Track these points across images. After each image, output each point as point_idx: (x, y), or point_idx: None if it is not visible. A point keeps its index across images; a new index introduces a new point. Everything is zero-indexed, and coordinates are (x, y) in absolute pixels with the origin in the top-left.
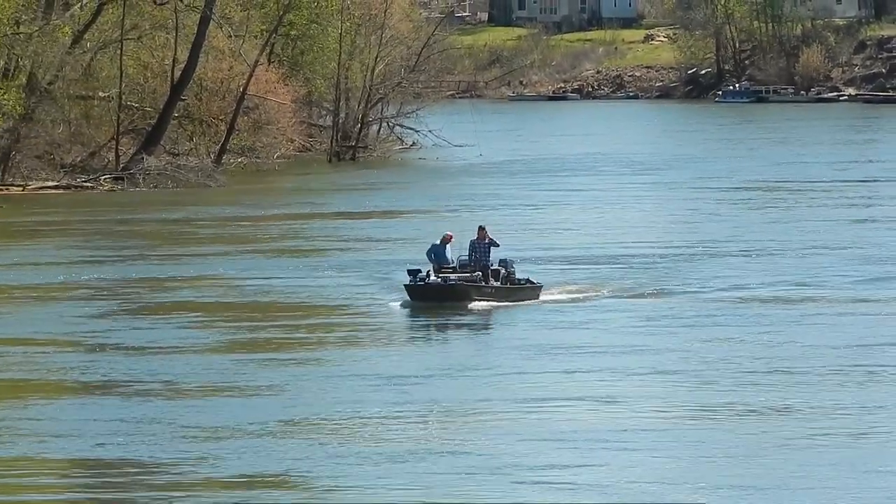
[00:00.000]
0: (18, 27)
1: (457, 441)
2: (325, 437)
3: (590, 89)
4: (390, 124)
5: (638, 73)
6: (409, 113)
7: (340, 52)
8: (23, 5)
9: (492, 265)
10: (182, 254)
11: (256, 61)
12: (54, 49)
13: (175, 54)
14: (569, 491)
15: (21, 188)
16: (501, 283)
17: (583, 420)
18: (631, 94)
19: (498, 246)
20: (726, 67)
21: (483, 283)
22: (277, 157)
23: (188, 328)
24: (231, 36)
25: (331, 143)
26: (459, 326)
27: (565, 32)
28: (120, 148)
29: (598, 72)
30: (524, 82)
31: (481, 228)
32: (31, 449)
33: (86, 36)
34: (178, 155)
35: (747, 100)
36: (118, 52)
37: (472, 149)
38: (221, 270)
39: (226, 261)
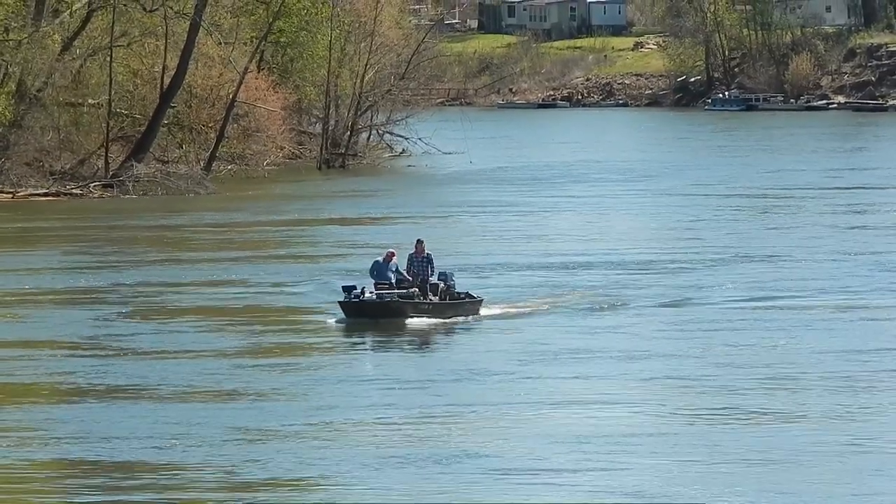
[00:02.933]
0: (8, 34)
1: (462, 443)
2: (332, 440)
3: (579, 97)
4: (380, 132)
5: (627, 81)
6: (398, 120)
7: (330, 60)
8: (12, 12)
9: (430, 279)
10: (172, 260)
11: (246, 68)
12: (44, 56)
13: (164, 61)
14: (570, 491)
15: (10, 195)
16: (441, 298)
17: (584, 423)
18: (620, 101)
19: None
20: (716, 75)
21: (420, 300)
22: (267, 165)
23: (180, 333)
24: (221, 43)
25: (320, 150)
26: (461, 333)
27: (555, 40)
28: (109, 155)
29: (587, 79)
30: (514, 90)
31: (419, 242)
32: (31, 453)
33: (75, 43)
34: (167, 162)
35: (737, 108)
36: (108, 59)
37: (461, 156)
38: (212, 276)
39: (216, 267)
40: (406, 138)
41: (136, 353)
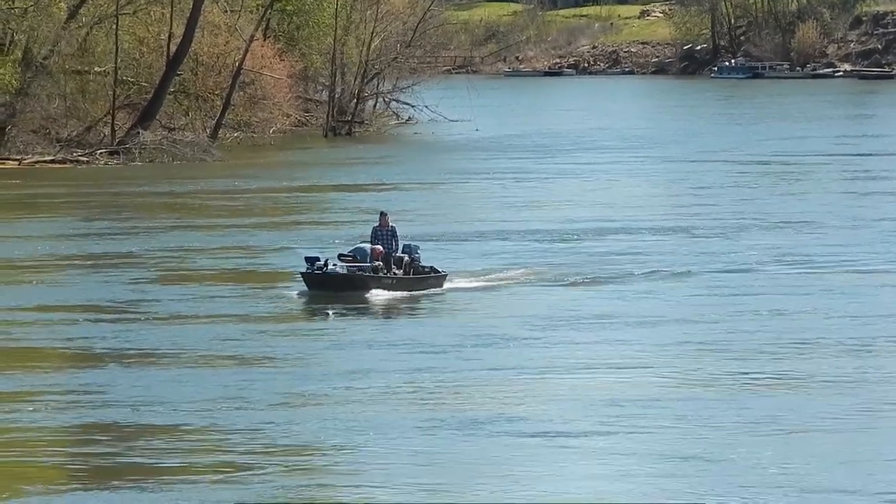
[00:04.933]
0: (13, 2)
1: (496, 407)
2: (366, 405)
3: (586, 65)
4: (386, 99)
5: (634, 49)
6: (405, 88)
7: (336, 27)
8: None
9: (395, 252)
10: (181, 226)
11: (252, 36)
12: (50, 24)
13: (171, 29)
14: (602, 454)
15: (17, 162)
16: (405, 272)
17: (608, 388)
18: (627, 69)
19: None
20: (722, 43)
21: (384, 273)
22: (273, 132)
23: (197, 298)
24: (227, 11)
25: (327, 118)
26: (482, 299)
27: (560, 8)
28: (116, 122)
29: (593, 47)
30: (520, 58)
31: (383, 215)
32: (52, 418)
33: (81, 10)
34: (173, 129)
35: (743, 76)
36: (114, 26)
37: (467, 124)
38: (222, 243)
39: (225, 233)
40: (412, 106)
41: (156, 318)
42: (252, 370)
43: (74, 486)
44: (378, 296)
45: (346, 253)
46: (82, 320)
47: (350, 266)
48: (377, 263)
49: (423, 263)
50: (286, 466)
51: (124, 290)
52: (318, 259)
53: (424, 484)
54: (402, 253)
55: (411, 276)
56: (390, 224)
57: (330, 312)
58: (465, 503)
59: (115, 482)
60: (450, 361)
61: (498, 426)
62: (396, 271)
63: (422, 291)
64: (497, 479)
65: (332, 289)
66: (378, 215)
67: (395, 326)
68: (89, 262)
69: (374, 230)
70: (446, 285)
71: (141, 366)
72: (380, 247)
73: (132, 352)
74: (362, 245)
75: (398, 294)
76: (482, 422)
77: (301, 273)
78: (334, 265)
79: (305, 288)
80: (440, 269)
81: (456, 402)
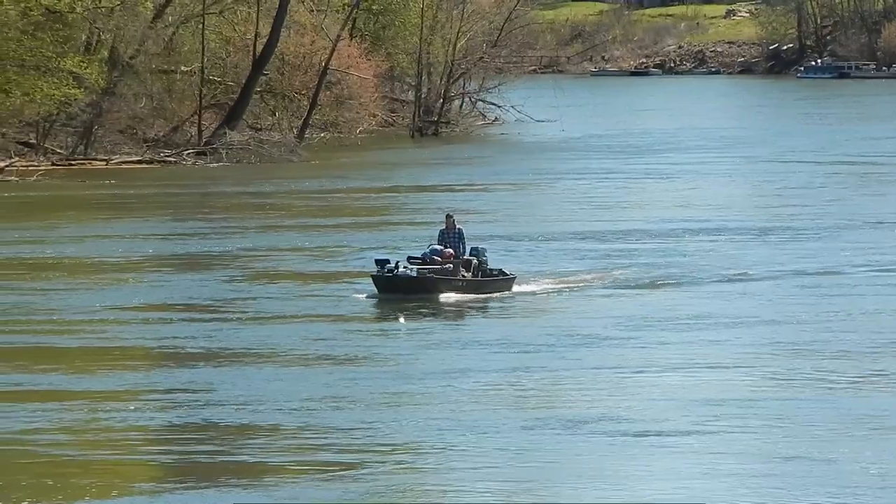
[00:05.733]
0: (100, 1)
1: (586, 407)
2: (447, 408)
3: (672, 65)
4: (472, 99)
5: (720, 49)
6: (491, 88)
7: (422, 27)
8: None
9: (462, 255)
10: (270, 226)
11: (338, 36)
12: (136, 23)
13: (257, 28)
14: (698, 454)
15: (104, 162)
16: (473, 274)
17: (699, 387)
18: (713, 69)
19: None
20: (808, 43)
21: (453, 276)
22: (360, 132)
23: (288, 298)
24: (313, 10)
25: (413, 118)
26: (563, 300)
27: (647, 7)
28: (202, 122)
29: (679, 47)
30: (606, 57)
31: (449, 217)
32: (152, 417)
33: (167, 10)
34: (260, 129)
35: (829, 75)
36: (200, 26)
37: (553, 124)
38: (312, 243)
39: (314, 234)
40: (499, 106)
41: (248, 317)
42: (347, 369)
43: (177, 484)
44: (448, 298)
45: (416, 256)
46: (177, 319)
47: (420, 268)
48: (449, 266)
49: (492, 266)
50: (386, 466)
51: (216, 289)
52: (388, 261)
53: (522, 483)
54: (470, 255)
55: (479, 278)
56: (457, 226)
57: (402, 318)
58: (565, 503)
59: (217, 480)
60: (545, 361)
61: (596, 426)
62: (465, 274)
63: (491, 294)
64: (595, 479)
65: (401, 291)
66: (444, 217)
67: (482, 327)
68: (181, 262)
69: (441, 232)
70: (515, 288)
71: (237, 365)
72: (450, 250)
73: (227, 351)
74: (435, 246)
75: (468, 297)
76: (580, 421)
77: (371, 276)
78: (405, 268)
79: (374, 290)
80: (508, 272)
81: (553, 402)
